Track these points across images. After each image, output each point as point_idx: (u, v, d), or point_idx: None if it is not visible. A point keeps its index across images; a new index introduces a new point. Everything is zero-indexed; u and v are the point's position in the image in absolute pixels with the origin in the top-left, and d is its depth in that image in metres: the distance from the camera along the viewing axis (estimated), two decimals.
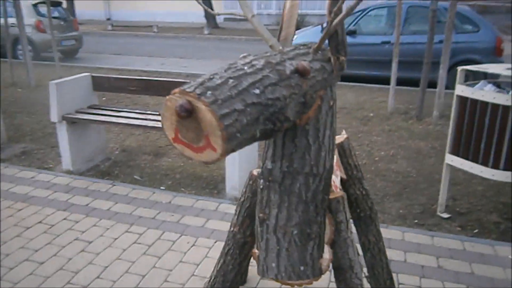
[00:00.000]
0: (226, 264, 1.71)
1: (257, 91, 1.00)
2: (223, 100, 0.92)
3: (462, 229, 3.06)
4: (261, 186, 1.41)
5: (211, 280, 1.79)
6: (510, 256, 2.68)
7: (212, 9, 18.61)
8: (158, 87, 3.83)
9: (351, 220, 1.58)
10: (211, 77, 0.98)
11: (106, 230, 2.99)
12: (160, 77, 3.92)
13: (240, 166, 3.40)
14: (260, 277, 1.50)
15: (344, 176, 1.73)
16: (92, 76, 4.00)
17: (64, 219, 3.12)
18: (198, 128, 0.92)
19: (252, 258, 1.76)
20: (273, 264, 1.43)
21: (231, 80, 0.98)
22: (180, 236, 2.92)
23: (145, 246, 2.81)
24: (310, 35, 8.36)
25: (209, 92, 0.92)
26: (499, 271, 2.56)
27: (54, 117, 3.73)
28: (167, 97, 0.94)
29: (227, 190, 3.48)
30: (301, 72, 1.09)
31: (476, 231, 3.04)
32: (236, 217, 1.68)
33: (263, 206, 1.41)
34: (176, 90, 0.92)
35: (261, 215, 1.41)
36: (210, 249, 2.77)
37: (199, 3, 1.41)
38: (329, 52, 1.28)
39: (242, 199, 1.66)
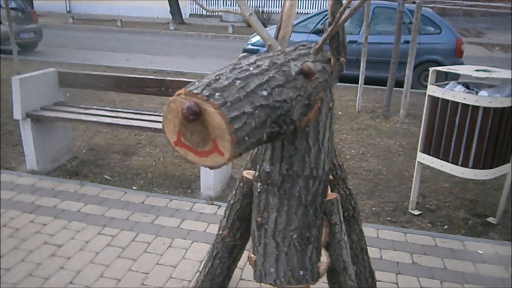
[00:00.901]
0: (214, 268, 1.68)
1: (265, 93, 0.97)
2: (232, 102, 0.88)
3: (432, 226, 3.15)
4: (259, 189, 1.38)
5: (198, 284, 1.74)
6: (480, 251, 2.78)
7: (178, 5, 18.24)
8: (128, 84, 3.72)
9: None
10: (217, 77, 0.94)
11: (77, 232, 2.87)
12: (129, 74, 3.81)
13: None
14: (257, 281, 1.47)
15: (330, 177, 1.73)
16: (59, 72, 3.83)
17: (31, 221, 2.98)
18: (204, 132, 0.88)
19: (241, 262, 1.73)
20: (272, 269, 1.40)
21: (238, 81, 0.94)
22: (155, 237, 2.85)
23: (119, 248, 2.72)
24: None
25: (217, 94, 0.88)
26: (469, 265, 2.65)
27: (17, 114, 3.54)
28: (171, 98, 0.89)
29: (202, 189, 3.42)
30: (306, 74, 1.07)
31: (445, 227, 3.14)
32: (225, 219, 1.64)
33: (261, 210, 1.38)
34: (181, 91, 0.88)
35: (259, 219, 1.38)
36: (187, 250, 2.72)
37: (197, 3, 1.36)
38: (329, 53, 1.26)
39: (232, 202, 1.62)
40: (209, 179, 3.37)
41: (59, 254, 2.64)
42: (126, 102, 6.05)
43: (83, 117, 3.56)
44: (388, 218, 3.23)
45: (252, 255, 1.47)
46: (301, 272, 1.39)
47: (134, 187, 3.59)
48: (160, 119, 3.59)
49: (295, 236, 1.36)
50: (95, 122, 3.53)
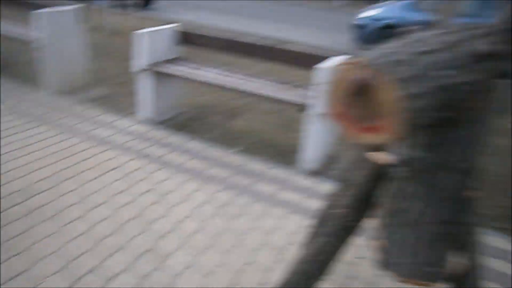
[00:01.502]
0: (322, 245, 1.63)
1: (438, 74, 0.86)
2: (405, 80, 0.79)
3: None
4: (396, 175, 1.28)
5: (302, 260, 1.71)
6: None
7: None
8: (240, 48, 3.82)
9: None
10: (388, 52, 0.85)
11: (179, 185, 3.00)
12: (239, 38, 3.83)
13: (321, 138, 3.30)
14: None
15: None
16: (178, 29, 3.97)
17: (139, 168, 3.17)
18: (369, 107, 0.81)
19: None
20: (396, 260, 1.32)
21: (411, 58, 0.84)
22: (252, 202, 2.88)
23: (216, 207, 2.80)
24: (396, 9, 7.98)
25: (390, 69, 0.79)
26: None
27: (138, 66, 3.75)
28: (338, 68, 0.82)
29: (303, 162, 3.38)
30: (484, 57, 0.93)
31: None
32: (343, 198, 1.57)
33: (395, 197, 1.29)
34: (351, 62, 0.81)
35: (391, 206, 1.30)
36: (281, 220, 2.72)
37: None
38: (507, 37, 1.09)
39: (355, 182, 1.54)
40: (310, 152, 3.31)
41: (161, 203, 2.79)
42: (233, 65, 6.13)
43: (197, 76, 3.66)
44: (501, 225, 2.93)
45: (376, 242, 1.39)
46: (427, 269, 1.29)
47: (235, 149, 3.65)
48: (265, 85, 3.59)
49: (428, 229, 1.25)
50: (206, 82, 3.62)
